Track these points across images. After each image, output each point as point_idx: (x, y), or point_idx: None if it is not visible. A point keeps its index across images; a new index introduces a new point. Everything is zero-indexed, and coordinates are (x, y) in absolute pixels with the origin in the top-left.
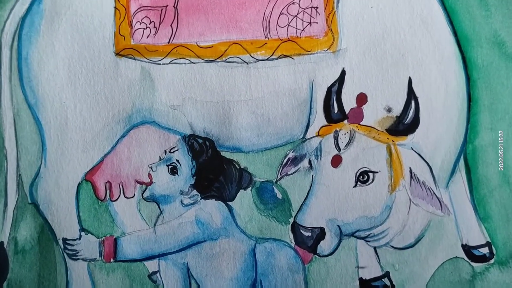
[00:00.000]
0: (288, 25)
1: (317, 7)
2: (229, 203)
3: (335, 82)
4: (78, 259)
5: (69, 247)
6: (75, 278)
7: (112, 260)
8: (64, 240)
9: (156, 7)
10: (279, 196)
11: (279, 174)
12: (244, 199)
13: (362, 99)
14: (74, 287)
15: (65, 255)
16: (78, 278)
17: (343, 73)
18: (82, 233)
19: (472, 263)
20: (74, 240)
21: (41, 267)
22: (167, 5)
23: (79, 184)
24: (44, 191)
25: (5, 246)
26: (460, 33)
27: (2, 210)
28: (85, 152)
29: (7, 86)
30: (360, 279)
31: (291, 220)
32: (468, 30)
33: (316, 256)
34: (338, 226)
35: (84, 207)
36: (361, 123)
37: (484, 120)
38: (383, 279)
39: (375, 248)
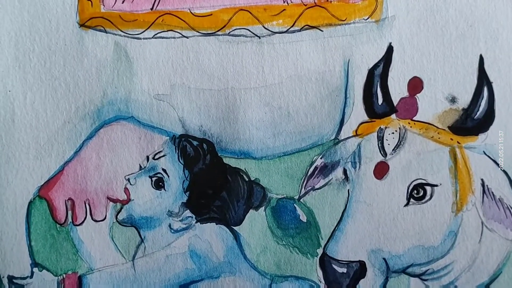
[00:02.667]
0: None
1: None
2: (235, 228)
3: (379, 62)
4: None
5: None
6: None
7: None
8: (10, 278)
9: None
10: (303, 218)
11: (304, 189)
12: (256, 222)
13: (416, 85)
14: None
15: None
16: None
17: (390, 50)
18: (35, 269)
19: None
20: (24, 278)
21: None
22: None
23: (30, 203)
24: None
25: None
26: None
27: None
28: (39, 159)
29: None
30: None
31: (320, 251)
32: None
33: None
34: (384, 259)
35: (37, 233)
36: (414, 118)
37: None
38: None
39: None
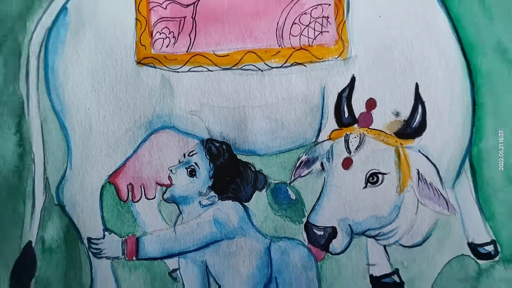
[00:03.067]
0: (301, 34)
1: (328, 17)
2: (245, 203)
3: (345, 88)
4: (102, 257)
5: (93, 246)
6: (99, 276)
7: (134, 258)
8: (89, 239)
9: (175, 17)
10: (293, 197)
11: (293, 176)
12: (260, 200)
13: (371, 104)
14: (98, 285)
15: (89, 253)
16: (102, 276)
17: (353, 79)
18: (106, 233)
19: (478, 261)
20: (98, 239)
21: (67, 265)
22: (185, 16)
23: (103, 186)
24: (70, 193)
25: (33, 245)
26: (464, 40)
27: (30, 211)
28: (109, 156)
29: (35, 93)
30: (371, 276)
31: (304, 219)
32: (472, 37)
33: (329, 254)
34: (349, 225)
35: (107, 208)
36: (370, 127)
37: (488, 123)
38: (392, 276)
39: (384, 246)
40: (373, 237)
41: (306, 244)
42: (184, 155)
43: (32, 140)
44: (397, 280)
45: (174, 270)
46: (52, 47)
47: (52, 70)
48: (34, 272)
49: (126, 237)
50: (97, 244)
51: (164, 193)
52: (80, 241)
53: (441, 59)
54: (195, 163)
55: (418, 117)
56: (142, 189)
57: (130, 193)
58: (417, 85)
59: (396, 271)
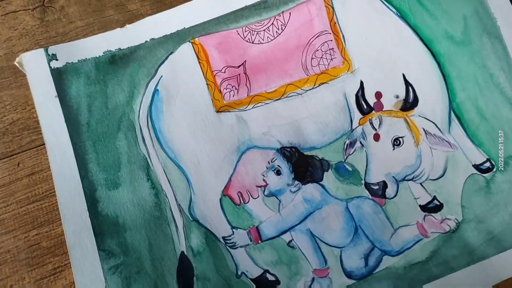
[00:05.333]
0: (318, 64)
1: (332, 48)
2: (321, 182)
3: (358, 90)
4: (236, 247)
5: (228, 241)
6: (240, 260)
7: (259, 241)
8: (223, 238)
9: (233, 76)
10: (350, 169)
11: (345, 156)
12: (329, 177)
13: (378, 95)
14: (241, 266)
15: (227, 247)
16: (242, 259)
17: (361, 83)
18: (234, 230)
19: (483, 175)
20: (230, 236)
21: (215, 260)
22: (239, 74)
23: (220, 199)
24: (199, 210)
25: (185, 253)
26: (424, 37)
27: (175, 231)
28: (217, 177)
29: (152, 150)
30: (420, 206)
31: (363, 181)
32: (428, 34)
33: (387, 199)
34: (393, 176)
35: (228, 213)
36: (383, 109)
37: (456, 85)
38: (433, 201)
39: (420, 183)
40: (411, 179)
41: (370, 197)
42: (269, 162)
43: (161, 182)
44: (438, 203)
45: (290, 241)
46: (155, 117)
47: (160, 132)
48: (193, 273)
49: (249, 228)
50: (230, 239)
51: (264, 191)
52: (217, 241)
53: (414, 55)
54: (278, 166)
55: (411, 95)
56: (248, 193)
57: (240, 198)
58: (403, 75)
59: (434, 197)
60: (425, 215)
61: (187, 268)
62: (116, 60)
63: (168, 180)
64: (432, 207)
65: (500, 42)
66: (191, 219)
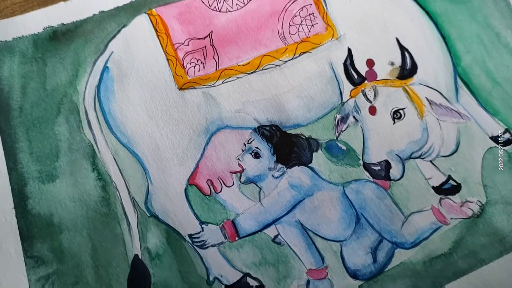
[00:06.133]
0: (298, 31)
1: (313, 13)
2: (309, 165)
3: (346, 58)
4: (207, 247)
5: (196, 240)
6: (211, 263)
7: (236, 238)
8: (190, 235)
9: (197, 49)
10: (344, 148)
11: (336, 133)
12: (319, 158)
13: (370, 63)
14: (214, 270)
15: (195, 247)
16: (214, 262)
17: (349, 50)
18: (203, 225)
19: (504, 148)
20: (198, 233)
21: (179, 263)
22: (205, 45)
23: (185, 190)
24: (158, 203)
25: (140, 257)
26: None
27: (127, 229)
28: (181, 164)
29: (100, 136)
30: (433, 187)
31: (361, 162)
32: None
33: (392, 182)
34: (397, 154)
35: (196, 205)
36: (377, 79)
37: (459, 47)
38: (449, 182)
39: (431, 161)
40: (419, 157)
41: (372, 180)
42: (244, 144)
43: (110, 172)
44: (454, 183)
45: (276, 236)
46: (104, 98)
47: (110, 114)
48: (149, 280)
49: (222, 223)
50: (198, 237)
51: (240, 178)
52: (182, 240)
53: (407, 15)
54: (256, 147)
55: (408, 61)
56: (220, 181)
57: (211, 187)
58: (397, 39)
59: (450, 177)
60: (440, 198)
61: (141, 275)
62: (58, 36)
63: (120, 170)
64: (448, 189)
65: None
66: (148, 215)
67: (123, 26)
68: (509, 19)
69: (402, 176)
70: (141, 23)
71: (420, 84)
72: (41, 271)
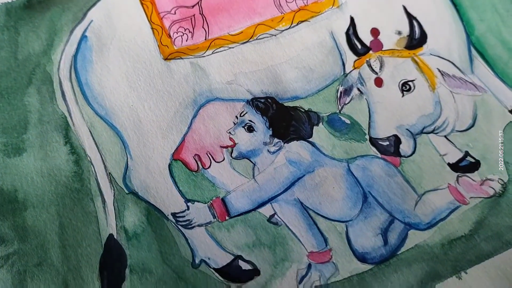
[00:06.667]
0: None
1: None
2: (309, 139)
3: (349, 27)
4: (193, 227)
5: (180, 219)
6: (198, 244)
7: (227, 217)
8: (173, 214)
9: (185, 18)
10: (347, 121)
11: (339, 106)
12: (321, 133)
13: (375, 32)
14: (200, 252)
15: (179, 227)
16: (201, 243)
17: (352, 19)
18: (189, 203)
19: None
20: (183, 211)
21: (160, 243)
22: (194, 14)
23: (169, 165)
24: (138, 180)
25: (115, 237)
26: None
27: (102, 207)
28: (165, 138)
29: (75, 107)
30: (449, 164)
31: (367, 137)
32: None
33: (403, 158)
34: (407, 129)
35: (182, 182)
36: (383, 49)
37: (472, 15)
38: (466, 158)
39: (445, 136)
40: (432, 132)
41: (380, 156)
42: (237, 117)
43: (85, 145)
44: (472, 160)
45: (272, 216)
46: (81, 68)
47: (87, 85)
48: (125, 263)
49: (211, 201)
50: (183, 216)
51: (231, 153)
52: (165, 219)
53: None
54: (250, 120)
55: (416, 30)
56: (209, 156)
57: (198, 162)
58: (404, 7)
59: (467, 153)
60: (458, 176)
61: (116, 257)
62: (33, 4)
63: (96, 143)
64: (466, 166)
65: None
66: (127, 192)
67: None
68: None
69: (413, 152)
70: None
71: (431, 54)
72: (0, 251)
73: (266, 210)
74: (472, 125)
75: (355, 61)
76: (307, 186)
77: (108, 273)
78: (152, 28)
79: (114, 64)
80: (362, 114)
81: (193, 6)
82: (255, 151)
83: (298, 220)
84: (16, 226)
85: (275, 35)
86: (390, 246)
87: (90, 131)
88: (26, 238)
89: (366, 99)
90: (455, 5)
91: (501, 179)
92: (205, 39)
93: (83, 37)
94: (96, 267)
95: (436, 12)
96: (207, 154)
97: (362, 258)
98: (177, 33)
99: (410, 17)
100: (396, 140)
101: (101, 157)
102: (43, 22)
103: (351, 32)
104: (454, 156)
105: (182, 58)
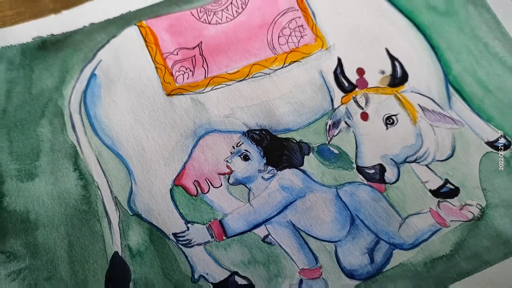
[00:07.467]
0: (287, 42)
1: (302, 25)
2: (301, 168)
3: (336, 67)
4: (192, 246)
5: (181, 238)
6: (197, 261)
7: (224, 237)
8: (174, 234)
9: (187, 58)
10: (336, 151)
11: (328, 137)
12: (311, 162)
13: (360, 71)
14: (199, 268)
15: (179, 245)
16: (200, 260)
17: (339, 59)
18: (189, 224)
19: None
20: (183, 232)
21: (161, 261)
22: (194, 55)
23: (171, 190)
24: (142, 203)
25: (120, 254)
26: (403, 8)
27: (108, 227)
28: (167, 165)
29: (84, 138)
30: (430, 191)
31: (354, 165)
32: (407, 4)
33: (388, 185)
34: (391, 159)
35: (182, 205)
36: (368, 87)
37: (449, 57)
38: (446, 185)
39: (427, 165)
40: (414, 161)
41: (366, 183)
42: (233, 147)
43: (92, 172)
44: (452, 187)
45: (266, 236)
46: (90, 103)
47: (95, 118)
48: (129, 277)
49: (209, 223)
50: (184, 236)
51: (228, 179)
52: (166, 238)
53: (394, 27)
54: (245, 150)
55: (398, 70)
56: (208, 182)
57: (198, 188)
58: (387, 49)
59: (447, 181)
60: (439, 201)
61: (120, 272)
62: (47, 46)
63: (102, 170)
64: (446, 192)
65: (488, 11)
66: (131, 214)
67: (113, 37)
68: (496, 30)
69: (397, 179)
70: (130, 34)
71: (412, 91)
72: (13, 266)
73: (261, 231)
74: (451, 155)
75: (342, 97)
76: (298, 209)
77: (113, 287)
78: (156, 68)
79: (120, 99)
80: (349, 145)
81: (194, 48)
82: (250, 177)
83: (290, 240)
84: (28, 244)
85: (269, 74)
86: (376, 264)
87: (97, 159)
88: (37, 254)
89: (353, 131)
90: (433, 47)
91: (479, 204)
92: (205, 77)
93: (93, 75)
94: (102, 281)
95: (416, 54)
96: (206, 180)
97: (350, 274)
98: (179, 71)
99: (392, 58)
100: (381, 169)
101: (108, 182)
102: (56, 61)
103: (339, 71)
104: (435, 183)
105: (183, 94)
